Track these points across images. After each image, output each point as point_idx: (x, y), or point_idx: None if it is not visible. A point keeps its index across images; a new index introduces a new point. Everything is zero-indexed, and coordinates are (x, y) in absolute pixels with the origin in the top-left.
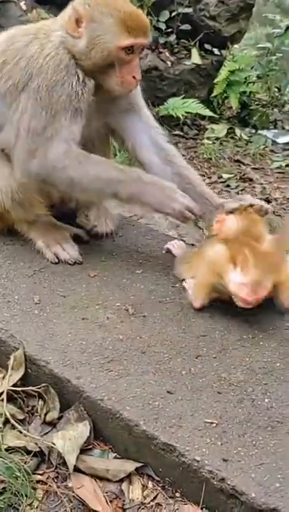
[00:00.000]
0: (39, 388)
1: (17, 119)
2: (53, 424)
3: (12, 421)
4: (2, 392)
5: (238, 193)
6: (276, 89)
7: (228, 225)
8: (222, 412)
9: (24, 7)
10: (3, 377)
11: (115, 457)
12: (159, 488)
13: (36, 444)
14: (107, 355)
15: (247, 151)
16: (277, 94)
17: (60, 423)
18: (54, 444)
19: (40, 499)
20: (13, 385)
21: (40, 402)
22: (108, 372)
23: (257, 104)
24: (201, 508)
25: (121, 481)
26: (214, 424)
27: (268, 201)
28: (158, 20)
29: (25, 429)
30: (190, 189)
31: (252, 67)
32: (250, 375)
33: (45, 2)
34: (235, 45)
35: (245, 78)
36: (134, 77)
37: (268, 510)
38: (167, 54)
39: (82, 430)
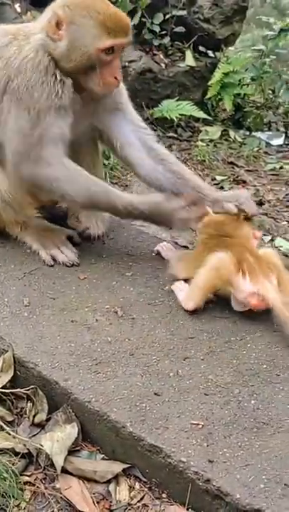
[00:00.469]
0: (28, 390)
1: (3, 120)
2: (41, 426)
3: (1, 423)
4: None
5: None
6: (270, 92)
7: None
8: (208, 414)
9: (19, 9)
10: None
11: (103, 458)
12: (146, 489)
13: (24, 445)
14: (95, 357)
15: (241, 153)
16: (271, 96)
17: (48, 425)
18: (42, 445)
19: (27, 500)
20: (2, 387)
21: (29, 404)
22: (96, 375)
23: (251, 106)
24: (187, 509)
25: (108, 482)
26: (200, 426)
27: (261, 203)
28: (152, 23)
29: (14, 430)
30: (184, 184)
31: (246, 70)
32: (237, 377)
33: (40, 4)
34: (231, 48)
35: (240, 80)
36: (115, 77)
37: (252, 510)
38: (161, 56)
39: (70, 432)
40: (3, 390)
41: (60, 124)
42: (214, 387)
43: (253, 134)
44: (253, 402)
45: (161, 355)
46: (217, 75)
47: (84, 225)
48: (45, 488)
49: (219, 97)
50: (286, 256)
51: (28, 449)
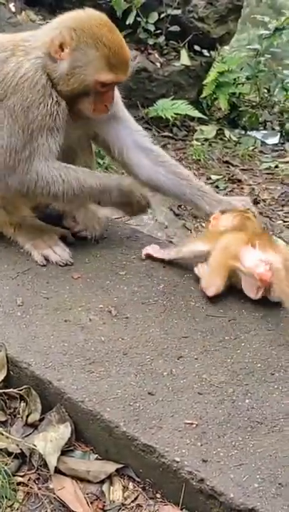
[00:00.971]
0: (21, 390)
1: None
2: (34, 426)
3: None
4: None
5: (226, 194)
6: (265, 91)
7: (223, 222)
8: (202, 413)
9: (13, 9)
10: None
11: (96, 458)
12: (140, 489)
13: (17, 445)
14: (88, 356)
15: (236, 152)
16: (266, 95)
17: (41, 425)
18: (35, 445)
19: (20, 501)
20: None
21: (22, 404)
22: (89, 374)
23: (246, 106)
24: (181, 509)
25: (102, 482)
26: (194, 425)
27: (257, 202)
28: (147, 22)
29: (7, 430)
30: (188, 185)
31: (241, 69)
32: (231, 376)
33: (35, 4)
34: (226, 47)
35: (235, 79)
36: (106, 105)
37: (246, 510)
38: (156, 55)
39: (63, 432)
40: None
41: (52, 143)
42: (208, 386)
43: (249, 133)
44: (247, 401)
45: (155, 354)
46: (212, 74)
47: (81, 227)
48: (39, 489)
49: (214, 96)
50: None
51: (21, 449)
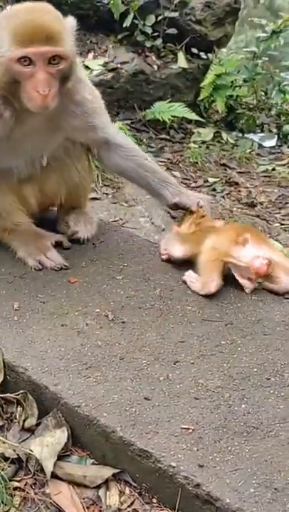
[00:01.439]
0: (17, 395)
1: None
2: (31, 431)
3: None
4: None
5: (223, 197)
6: (263, 93)
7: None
8: (198, 418)
9: None
10: None
11: (93, 463)
12: (136, 494)
13: (14, 450)
14: (85, 361)
15: (233, 154)
16: (263, 97)
17: (38, 429)
18: (32, 450)
19: (17, 506)
20: None
21: (19, 409)
22: (86, 379)
23: (243, 108)
24: None
25: (98, 487)
26: (190, 430)
27: (254, 205)
28: (144, 25)
29: (4, 435)
30: (153, 177)
31: (238, 71)
32: (227, 380)
33: None
34: (223, 49)
35: (232, 82)
36: (37, 91)
37: None
38: (154, 58)
39: (59, 436)
40: None
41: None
42: (204, 391)
43: (246, 135)
44: (243, 406)
45: (151, 359)
46: (209, 76)
47: (72, 229)
48: (35, 494)
49: (212, 98)
50: None
51: (17, 454)
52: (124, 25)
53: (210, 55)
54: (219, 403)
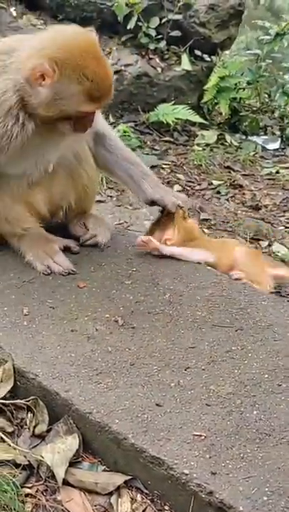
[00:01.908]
0: (28, 401)
1: None
2: (41, 437)
3: (1, 434)
4: None
5: (227, 200)
6: (266, 95)
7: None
8: (210, 425)
9: (14, 13)
10: None
11: (104, 470)
12: (148, 501)
13: (25, 457)
14: (96, 367)
15: (237, 157)
16: (267, 100)
17: (48, 436)
18: (43, 457)
19: None
20: (2, 398)
21: (29, 415)
22: (97, 385)
23: (247, 110)
24: None
25: (110, 494)
26: (203, 437)
27: (258, 208)
28: (148, 27)
29: (14, 442)
30: (135, 170)
31: (242, 74)
32: (238, 387)
33: (36, 8)
34: (227, 51)
35: (236, 84)
36: (86, 127)
37: None
38: (157, 60)
39: (71, 443)
40: (3, 401)
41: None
42: (216, 397)
43: (249, 138)
44: (255, 412)
45: (162, 365)
46: (213, 79)
47: (91, 232)
48: (47, 501)
49: (215, 101)
50: (283, 261)
51: (28, 461)
52: (128, 28)
53: (214, 57)
54: (231, 410)
